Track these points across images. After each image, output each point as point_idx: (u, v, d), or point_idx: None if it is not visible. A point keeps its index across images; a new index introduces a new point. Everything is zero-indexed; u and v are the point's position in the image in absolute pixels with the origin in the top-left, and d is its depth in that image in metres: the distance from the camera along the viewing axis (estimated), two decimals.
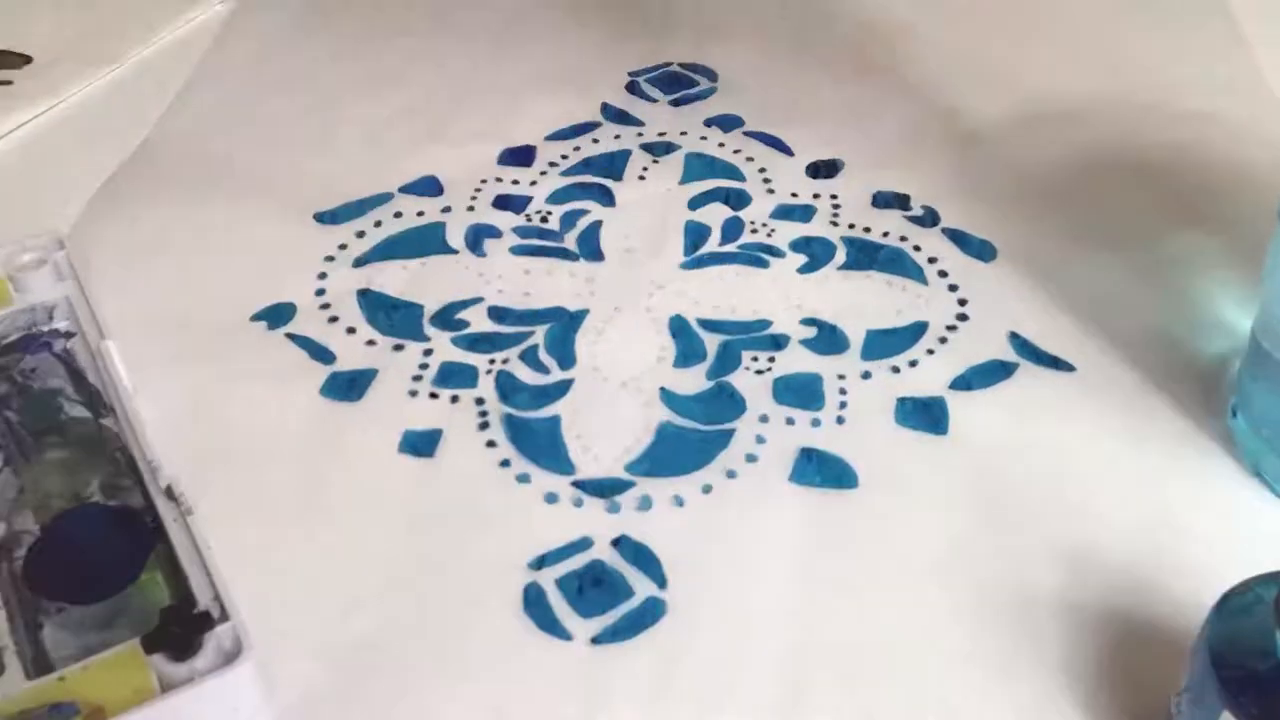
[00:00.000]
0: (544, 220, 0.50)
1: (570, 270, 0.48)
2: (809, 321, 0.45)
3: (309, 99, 0.56)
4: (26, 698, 0.32)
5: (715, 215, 0.50)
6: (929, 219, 0.50)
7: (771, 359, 0.44)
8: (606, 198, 0.51)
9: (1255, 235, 0.44)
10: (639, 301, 0.46)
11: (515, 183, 0.52)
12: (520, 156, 0.53)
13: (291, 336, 0.45)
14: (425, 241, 0.49)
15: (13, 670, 0.33)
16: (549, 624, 0.36)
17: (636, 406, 0.42)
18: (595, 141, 0.54)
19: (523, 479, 0.40)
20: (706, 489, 0.39)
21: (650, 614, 0.36)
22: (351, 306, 0.46)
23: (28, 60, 0.58)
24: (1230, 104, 0.55)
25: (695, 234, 0.49)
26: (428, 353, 0.44)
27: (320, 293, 0.47)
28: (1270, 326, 0.37)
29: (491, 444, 0.41)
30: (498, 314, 0.46)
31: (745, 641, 0.35)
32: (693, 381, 0.43)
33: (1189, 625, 0.30)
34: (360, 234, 0.49)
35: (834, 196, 0.51)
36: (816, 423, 0.41)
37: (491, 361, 0.44)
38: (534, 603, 0.36)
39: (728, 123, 0.55)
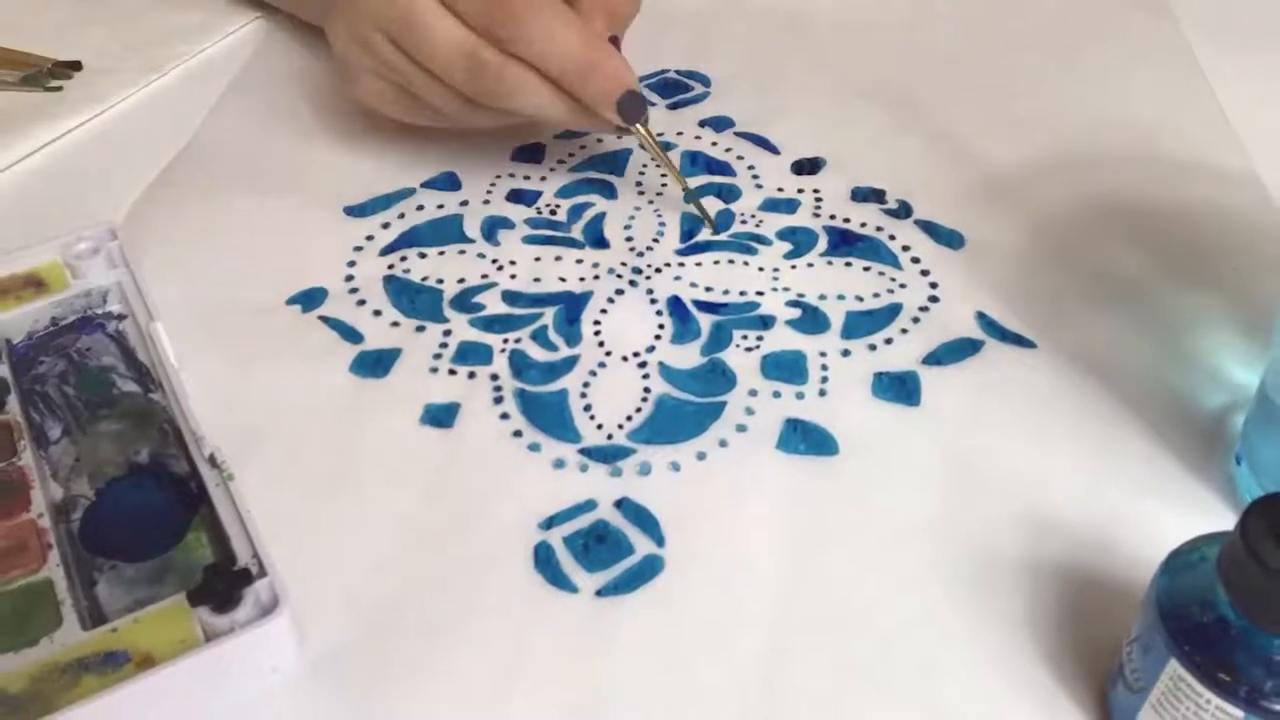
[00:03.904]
0: (553, 212, 0.49)
1: (577, 257, 0.47)
2: (794, 303, 0.45)
3: (338, 103, 0.56)
4: (83, 647, 0.32)
5: (708, 207, 0.49)
6: (903, 211, 0.49)
7: (760, 337, 0.43)
8: (610, 191, 0.51)
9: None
10: (639, 285, 0.46)
11: (526, 178, 0.51)
12: (531, 154, 0.53)
13: (323, 318, 0.44)
14: (445, 232, 0.48)
15: (70, 622, 0.33)
16: (557, 579, 0.35)
17: (637, 380, 0.42)
18: (599, 141, 0.54)
19: (533, 447, 0.39)
20: (701, 456, 0.39)
21: (649, 569, 0.36)
22: (378, 291, 0.45)
23: (78, 68, 0.57)
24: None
25: (690, 224, 0.49)
26: (447, 333, 0.44)
27: (349, 279, 0.46)
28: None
29: (505, 416, 0.41)
30: (510, 297, 0.45)
31: (735, 595, 0.35)
32: (688, 358, 0.43)
33: (1140, 581, 0.30)
34: (386, 225, 0.49)
35: (816, 191, 0.50)
36: (801, 396, 0.41)
37: (505, 341, 0.43)
38: (544, 560, 0.36)
39: (720, 124, 0.55)
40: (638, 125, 0.45)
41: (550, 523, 0.37)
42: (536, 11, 0.42)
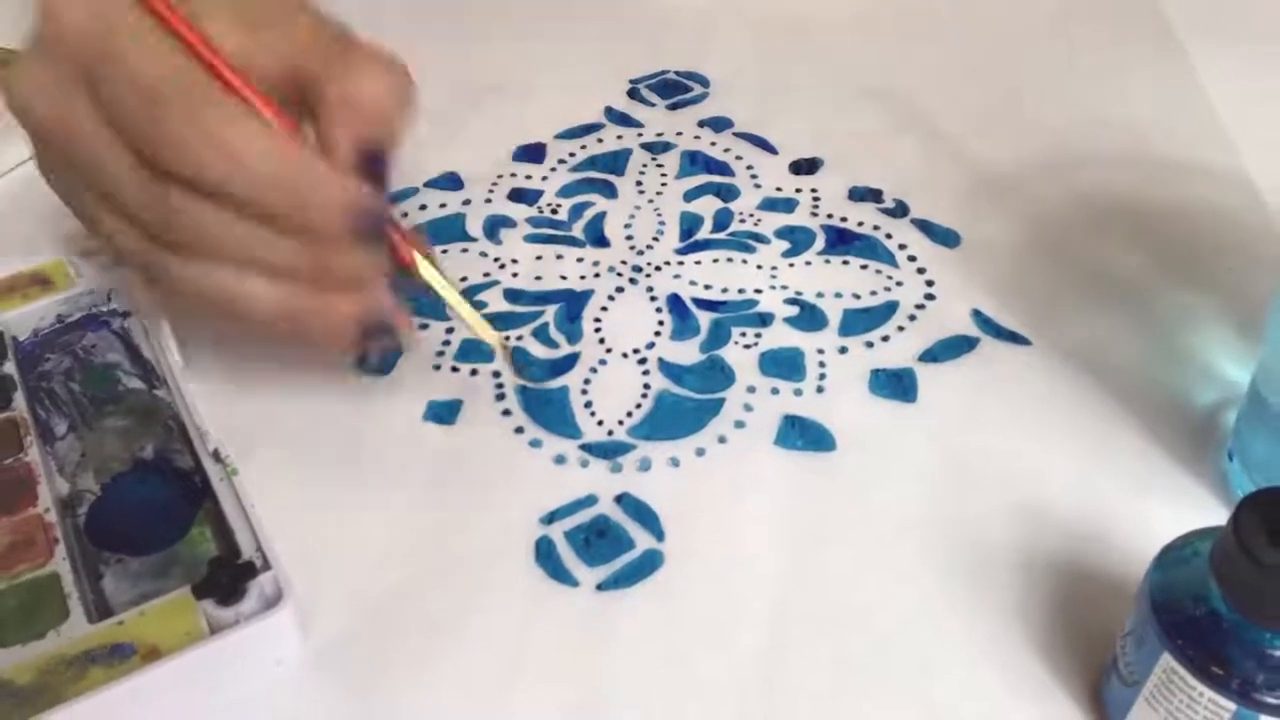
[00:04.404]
0: (554, 211, 0.49)
1: (578, 255, 0.47)
2: (792, 301, 0.45)
3: None
4: (89, 639, 0.32)
5: (707, 206, 0.49)
6: (900, 210, 0.49)
7: (758, 335, 0.43)
8: (610, 191, 0.51)
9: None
10: (639, 283, 0.46)
11: (528, 178, 0.51)
12: (532, 154, 0.53)
13: None
14: (447, 231, 0.48)
15: (77, 615, 0.33)
16: (559, 573, 0.35)
17: (637, 377, 0.42)
18: (600, 141, 0.54)
19: (535, 443, 0.39)
20: (700, 452, 0.39)
21: (649, 564, 0.36)
22: (381, 289, 0.45)
23: None
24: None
25: (689, 223, 0.49)
26: (449, 331, 0.44)
27: None
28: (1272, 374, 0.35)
29: (507, 413, 0.41)
30: (512, 295, 0.45)
31: (734, 589, 0.35)
32: (687, 354, 0.43)
33: (1134, 575, 0.30)
34: None
35: (814, 190, 0.50)
36: (799, 392, 0.41)
37: (507, 338, 0.43)
38: (545, 554, 0.36)
39: (719, 124, 0.54)
40: (420, 259, 0.35)
41: (551, 518, 0.37)
42: (205, 126, 0.30)
